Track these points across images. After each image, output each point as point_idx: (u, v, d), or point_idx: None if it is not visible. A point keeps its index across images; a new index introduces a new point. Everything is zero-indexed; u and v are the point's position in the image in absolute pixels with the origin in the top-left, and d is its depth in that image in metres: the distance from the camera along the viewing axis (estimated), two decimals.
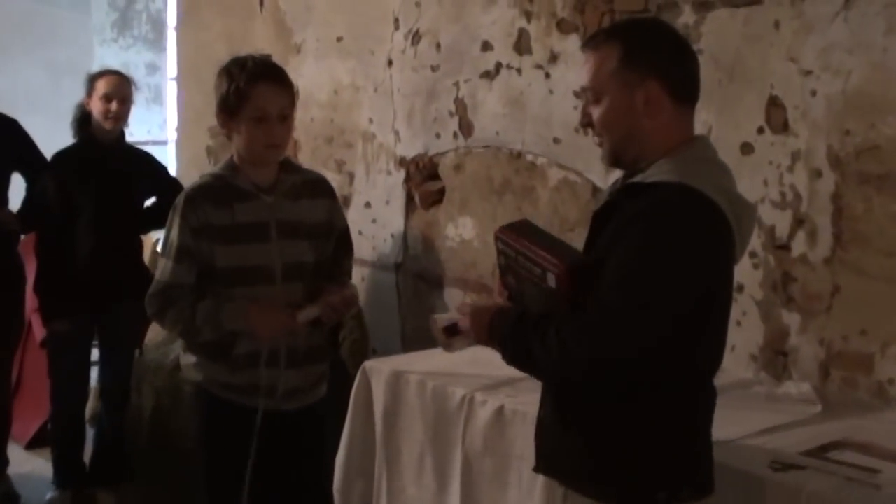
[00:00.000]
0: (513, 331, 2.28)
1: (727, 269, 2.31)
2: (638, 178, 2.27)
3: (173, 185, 5.17)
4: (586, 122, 2.37)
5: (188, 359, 3.36)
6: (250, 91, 3.16)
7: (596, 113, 2.32)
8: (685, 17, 3.81)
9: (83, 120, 4.82)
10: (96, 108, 4.78)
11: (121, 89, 4.81)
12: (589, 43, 2.36)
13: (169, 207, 4.99)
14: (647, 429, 2.25)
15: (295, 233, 3.30)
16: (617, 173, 2.48)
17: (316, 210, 3.38)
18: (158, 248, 5.91)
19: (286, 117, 3.24)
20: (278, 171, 3.32)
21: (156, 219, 5.12)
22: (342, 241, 3.50)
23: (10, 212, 4.84)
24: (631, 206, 2.21)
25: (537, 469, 2.50)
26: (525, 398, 3.04)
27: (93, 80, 4.84)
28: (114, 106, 4.76)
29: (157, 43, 13.87)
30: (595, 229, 2.34)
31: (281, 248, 3.27)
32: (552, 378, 2.32)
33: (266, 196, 3.28)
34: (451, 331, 2.56)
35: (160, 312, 3.28)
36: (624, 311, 2.11)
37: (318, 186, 3.44)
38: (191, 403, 3.56)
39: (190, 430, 4.82)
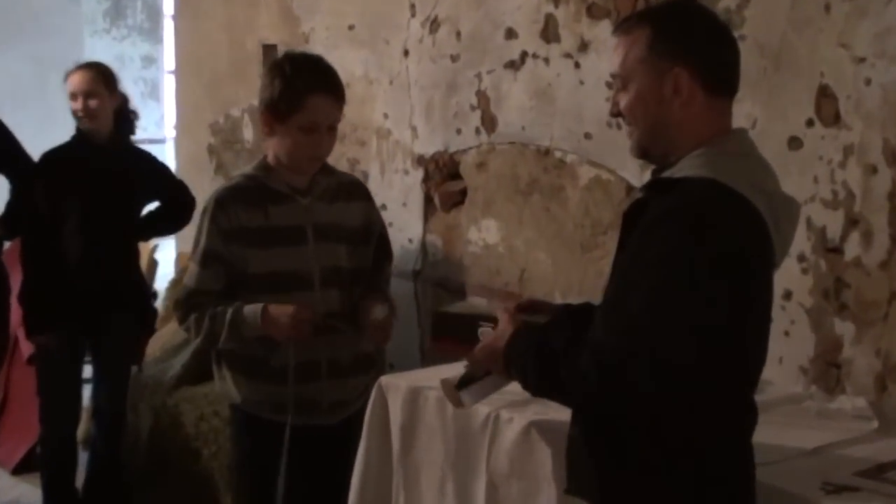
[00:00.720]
0: (537, 358, 2.29)
1: (765, 275, 2.31)
2: (667, 174, 2.29)
3: (178, 187, 5.19)
4: (615, 112, 2.41)
5: (224, 377, 3.41)
6: (306, 101, 3.24)
7: (623, 101, 2.35)
8: (727, 1, 3.82)
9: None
10: (70, 107, 4.83)
11: (86, 85, 4.81)
12: (620, 27, 2.40)
13: (173, 212, 5.09)
14: (683, 448, 2.27)
15: (332, 236, 3.37)
16: None
17: (352, 213, 3.46)
18: (156, 256, 6.00)
19: (334, 128, 3.32)
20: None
21: (158, 224, 5.15)
22: (381, 246, 3.60)
23: None
24: (659, 204, 2.23)
25: (569, 490, 2.52)
26: (556, 415, 3.04)
27: (66, 78, 4.88)
28: (80, 103, 4.79)
29: (154, 33, 13.97)
30: (626, 230, 2.36)
31: (318, 253, 3.34)
32: (585, 408, 2.33)
33: (301, 198, 3.34)
34: (465, 382, 2.61)
35: (184, 319, 3.38)
36: (655, 331, 2.12)
37: (353, 189, 3.53)
38: (229, 427, 3.64)
39: (191, 452, 4.88)
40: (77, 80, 4.82)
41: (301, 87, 3.23)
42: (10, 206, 4.95)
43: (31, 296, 4.84)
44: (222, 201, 3.32)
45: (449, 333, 2.55)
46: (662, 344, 2.11)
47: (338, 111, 3.34)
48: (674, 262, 2.14)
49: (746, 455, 2.39)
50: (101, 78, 4.87)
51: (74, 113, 4.81)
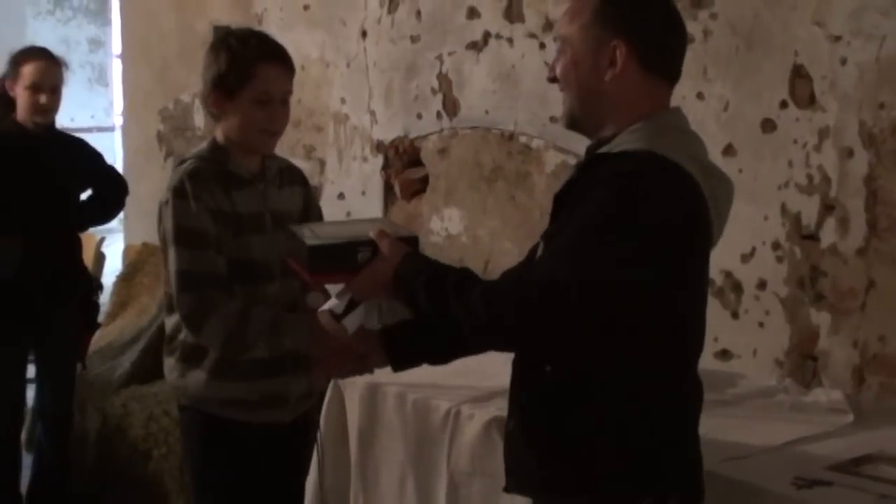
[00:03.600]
0: (428, 283, 2.34)
1: (703, 249, 2.36)
2: (604, 149, 2.33)
3: (111, 173, 5.17)
4: (551, 77, 2.44)
5: (184, 374, 3.33)
6: (256, 70, 3.21)
7: (559, 66, 2.39)
8: None
9: (5, 105, 4.76)
10: (22, 98, 4.71)
11: (51, 77, 4.76)
12: None
13: (108, 199, 5.07)
14: (622, 429, 2.30)
15: (286, 224, 3.34)
16: None
17: (295, 199, 3.45)
18: (104, 249, 5.99)
19: (287, 102, 3.31)
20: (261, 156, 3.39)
21: (94, 213, 5.12)
22: None
23: None
24: (593, 177, 2.26)
25: (508, 488, 2.55)
26: None
27: (17, 62, 4.76)
28: (43, 98, 4.72)
29: (101, 15, 13.94)
30: (558, 210, 2.38)
31: (276, 242, 3.30)
32: (474, 340, 2.38)
33: (258, 183, 3.34)
34: (348, 310, 2.63)
35: (199, 318, 3.13)
36: (566, 279, 2.15)
37: (293, 174, 3.51)
38: (184, 430, 3.56)
39: (141, 454, 4.89)
40: (43, 73, 4.73)
41: (251, 56, 3.22)
42: None
43: None
44: (197, 178, 3.23)
45: (328, 265, 2.56)
46: (575, 297, 2.14)
47: (289, 82, 3.32)
48: (604, 221, 2.17)
49: (693, 431, 2.43)
50: (61, 69, 4.82)
51: (33, 106, 4.70)
